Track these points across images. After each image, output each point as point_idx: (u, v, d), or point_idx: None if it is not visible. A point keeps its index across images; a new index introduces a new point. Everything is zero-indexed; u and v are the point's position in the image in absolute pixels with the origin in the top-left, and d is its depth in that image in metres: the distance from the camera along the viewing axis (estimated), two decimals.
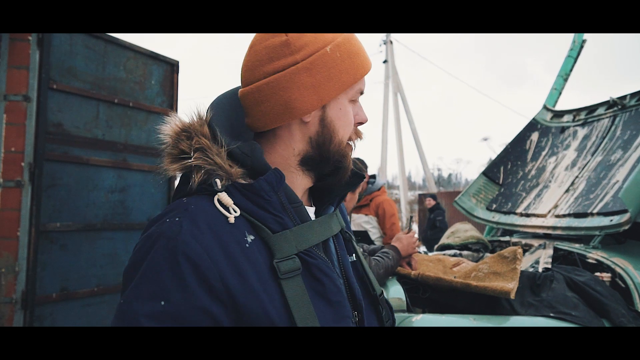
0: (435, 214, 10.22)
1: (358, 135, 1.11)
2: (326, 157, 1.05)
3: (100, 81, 4.24)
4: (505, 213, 3.88)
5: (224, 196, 0.93)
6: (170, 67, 5.00)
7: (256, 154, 1.00)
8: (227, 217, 0.92)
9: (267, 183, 0.96)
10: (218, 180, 0.94)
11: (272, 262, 0.92)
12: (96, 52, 4.22)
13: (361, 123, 1.10)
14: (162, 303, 0.84)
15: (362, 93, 1.09)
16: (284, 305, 0.91)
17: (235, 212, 0.93)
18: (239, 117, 1.11)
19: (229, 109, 1.12)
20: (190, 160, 0.96)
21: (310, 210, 1.10)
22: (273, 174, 0.97)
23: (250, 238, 0.93)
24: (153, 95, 4.77)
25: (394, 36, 28.08)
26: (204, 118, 1.05)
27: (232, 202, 0.93)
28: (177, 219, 0.90)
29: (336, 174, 1.08)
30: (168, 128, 1.01)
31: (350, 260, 1.13)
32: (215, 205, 0.93)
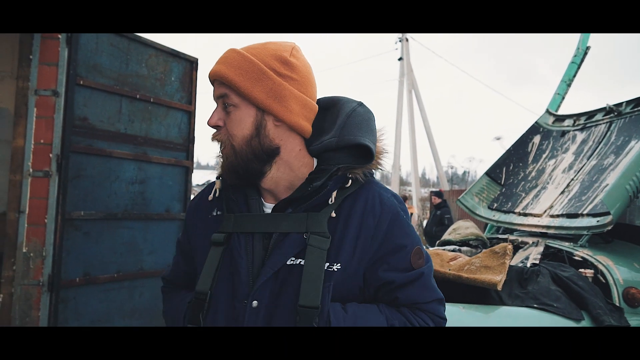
0: (442, 211, 10.33)
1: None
2: None
3: (123, 77, 4.40)
4: (505, 212, 4.05)
5: (217, 182, 1.33)
6: (190, 65, 5.15)
7: None
8: (208, 196, 1.36)
9: None
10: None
11: None
12: (120, 49, 4.40)
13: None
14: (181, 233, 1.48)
15: (218, 97, 1.22)
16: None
17: (216, 194, 1.32)
18: None
19: None
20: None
21: (269, 206, 1.28)
22: None
23: (217, 212, 1.32)
24: (173, 91, 4.93)
25: (410, 34, 28.06)
26: None
27: (219, 187, 1.32)
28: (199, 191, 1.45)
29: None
30: None
31: (290, 263, 1.17)
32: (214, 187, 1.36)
